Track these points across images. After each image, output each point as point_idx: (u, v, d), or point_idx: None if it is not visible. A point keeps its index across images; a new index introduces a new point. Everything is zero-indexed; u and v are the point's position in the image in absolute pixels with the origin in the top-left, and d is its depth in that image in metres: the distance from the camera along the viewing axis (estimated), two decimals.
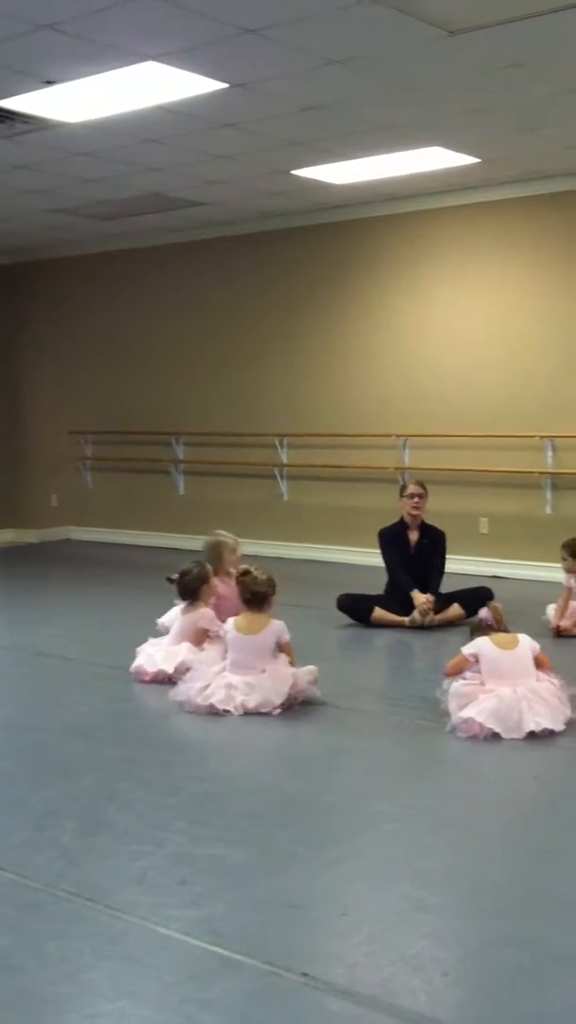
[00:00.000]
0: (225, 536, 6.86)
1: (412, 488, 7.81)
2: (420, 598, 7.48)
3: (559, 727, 5.03)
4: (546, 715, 5.00)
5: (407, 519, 7.82)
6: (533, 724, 4.95)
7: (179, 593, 6.39)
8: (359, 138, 7.84)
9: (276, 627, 5.64)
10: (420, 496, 7.78)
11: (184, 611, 6.33)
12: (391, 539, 7.82)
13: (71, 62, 6.09)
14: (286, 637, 5.65)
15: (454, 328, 10.02)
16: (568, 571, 7.26)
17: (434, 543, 7.82)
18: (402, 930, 3.17)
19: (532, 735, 4.97)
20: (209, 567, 6.48)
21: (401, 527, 7.84)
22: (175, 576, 6.40)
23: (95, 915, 3.27)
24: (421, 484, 7.87)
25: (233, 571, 6.27)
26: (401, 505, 7.86)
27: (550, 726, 4.99)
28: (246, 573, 5.86)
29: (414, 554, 7.76)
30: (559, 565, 7.45)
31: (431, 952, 3.04)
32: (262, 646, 5.58)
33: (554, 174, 9.15)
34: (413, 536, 7.80)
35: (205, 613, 6.26)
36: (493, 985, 2.87)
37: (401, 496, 7.87)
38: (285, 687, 5.47)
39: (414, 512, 7.79)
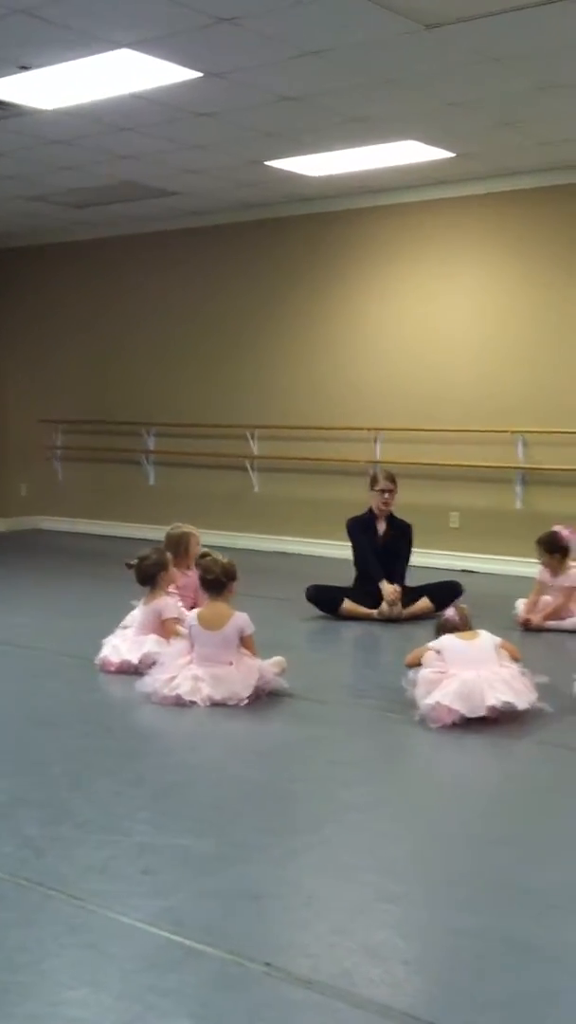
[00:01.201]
0: (189, 527, 6.86)
1: (384, 483, 7.81)
2: (388, 588, 7.50)
3: (522, 705, 5.07)
4: (508, 692, 5.05)
5: (376, 511, 7.83)
6: (493, 699, 4.99)
7: (137, 579, 6.37)
8: (334, 130, 7.83)
9: (239, 620, 5.61)
10: (391, 492, 7.79)
11: (145, 600, 6.31)
12: (360, 529, 7.83)
13: (46, 48, 6.06)
14: (248, 631, 5.61)
15: (427, 322, 10.04)
16: (544, 565, 7.29)
17: (401, 534, 7.84)
18: (365, 920, 3.18)
19: (497, 722, 4.99)
20: (168, 554, 6.46)
21: (370, 518, 7.85)
22: (133, 561, 6.38)
23: (57, 904, 3.25)
24: (392, 478, 7.87)
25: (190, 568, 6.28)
26: (370, 497, 7.87)
27: (512, 700, 5.03)
28: (204, 556, 5.86)
29: (382, 545, 7.77)
30: (529, 560, 7.49)
31: (393, 941, 3.05)
32: (225, 639, 5.56)
33: (529, 170, 9.18)
34: (381, 527, 7.82)
35: (166, 602, 6.24)
36: (454, 974, 2.88)
37: (371, 488, 7.87)
38: (252, 679, 5.46)
39: (384, 507, 7.80)
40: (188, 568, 6.60)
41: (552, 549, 7.24)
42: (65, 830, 3.83)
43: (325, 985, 2.79)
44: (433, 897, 3.37)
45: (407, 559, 7.82)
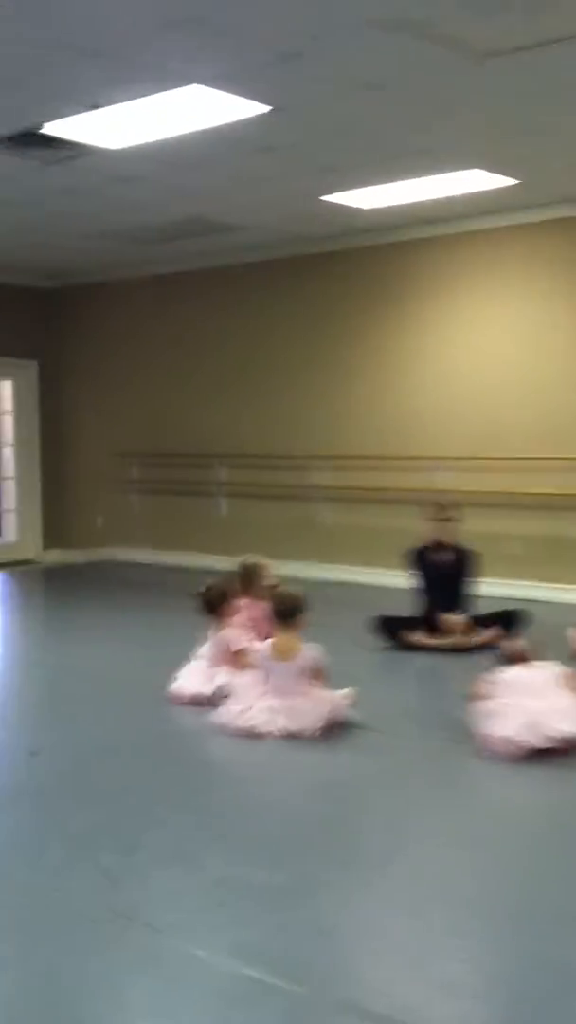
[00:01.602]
0: (260, 559, 6.89)
1: (440, 512, 7.76)
2: (452, 620, 7.47)
3: None
4: (572, 724, 5.00)
5: (435, 540, 7.79)
6: (559, 731, 4.96)
7: (201, 607, 6.44)
8: (396, 162, 7.88)
9: (312, 652, 5.65)
10: (448, 520, 7.75)
11: (213, 631, 6.37)
12: (415, 559, 7.81)
13: (117, 85, 6.17)
14: (321, 664, 5.65)
15: (487, 350, 10.01)
16: None
17: (464, 563, 7.79)
18: (437, 954, 3.18)
19: (565, 754, 4.96)
20: (233, 584, 6.51)
21: (428, 547, 7.83)
22: (201, 590, 6.45)
23: (133, 935, 3.30)
24: (444, 505, 7.83)
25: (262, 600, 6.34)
26: (430, 526, 7.83)
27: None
28: (275, 587, 5.90)
29: (440, 573, 7.73)
30: None
31: (465, 976, 3.05)
32: (299, 671, 5.60)
33: None
34: (442, 556, 7.78)
35: (233, 633, 6.28)
36: (528, 1008, 2.88)
37: (429, 518, 7.82)
38: (325, 711, 5.48)
39: (442, 536, 7.75)
40: (260, 599, 6.64)
41: None
42: (140, 861, 3.89)
43: (398, 1021, 2.80)
44: (503, 931, 3.36)
45: (471, 587, 7.78)
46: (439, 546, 7.80)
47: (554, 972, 3.06)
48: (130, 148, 7.36)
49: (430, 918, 3.42)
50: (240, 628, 6.43)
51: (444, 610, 7.58)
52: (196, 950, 3.19)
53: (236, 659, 6.16)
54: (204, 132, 7.05)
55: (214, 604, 6.37)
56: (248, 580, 6.73)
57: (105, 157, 7.58)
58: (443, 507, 7.84)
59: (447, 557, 7.79)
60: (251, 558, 6.94)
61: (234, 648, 6.19)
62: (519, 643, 5.49)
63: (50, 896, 3.59)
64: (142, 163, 7.78)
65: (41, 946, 3.25)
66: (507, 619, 7.56)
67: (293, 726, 5.42)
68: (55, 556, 13.24)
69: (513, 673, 5.28)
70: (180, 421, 12.37)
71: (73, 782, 4.84)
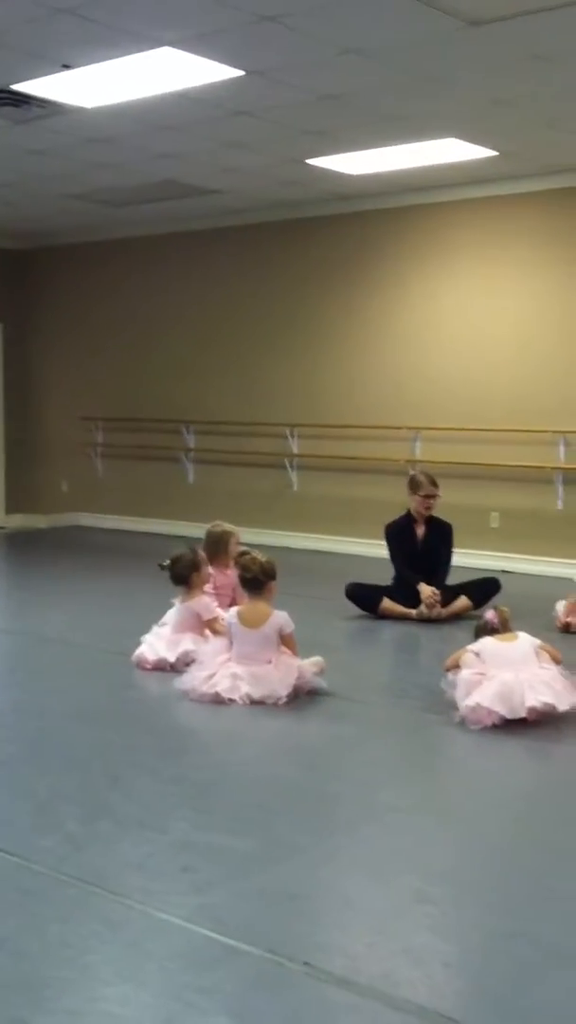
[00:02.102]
0: (229, 526, 6.84)
1: (428, 488, 7.70)
2: (426, 591, 7.47)
3: (562, 706, 5.04)
4: (548, 693, 5.01)
5: (414, 514, 7.78)
6: (534, 700, 4.96)
7: (171, 579, 6.37)
8: (375, 128, 7.81)
9: (279, 619, 5.59)
10: (434, 497, 7.72)
11: (181, 599, 6.31)
12: (396, 533, 7.79)
13: (88, 46, 6.08)
14: (288, 629, 5.60)
15: (468, 321, 9.99)
16: None
17: (442, 536, 7.79)
18: (404, 922, 3.17)
19: (537, 724, 4.97)
20: (202, 554, 6.45)
21: (407, 520, 7.80)
22: (166, 563, 6.38)
23: (97, 900, 3.27)
24: (435, 482, 7.78)
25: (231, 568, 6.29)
26: (411, 500, 7.81)
27: (552, 701, 5.00)
28: (244, 554, 5.85)
29: (421, 547, 7.73)
30: (570, 561, 7.43)
31: (433, 944, 3.04)
32: (265, 638, 5.56)
33: (572, 168, 9.10)
34: (420, 530, 7.77)
35: (202, 601, 6.23)
36: (494, 978, 2.87)
37: (413, 492, 7.78)
38: (291, 679, 5.45)
39: (425, 511, 7.73)
40: (227, 567, 6.60)
41: None
42: (105, 826, 3.85)
43: (364, 986, 2.79)
44: (472, 900, 3.35)
45: (448, 561, 7.78)
46: (419, 520, 7.76)
47: (524, 942, 3.05)
48: (103, 108, 7.25)
49: (399, 885, 3.40)
50: (208, 596, 6.40)
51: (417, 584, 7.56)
52: (161, 915, 3.16)
53: (206, 627, 6.13)
54: (178, 95, 6.95)
55: (184, 575, 6.31)
56: (215, 548, 6.69)
57: (78, 117, 7.46)
58: (426, 482, 7.77)
59: (426, 531, 7.76)
60: (219, 526, 6.90)
61: (206, 617, 6.15)
62: (493, 613, 5.46)
63: (14, 862, 3.55)
64: (116, 124, 7.66)
65: (4, 913, 3.21)
66: (479, 589, 7.58)
67: (257, 693, 5.39)
68: (18, 521, 13.14)
69: (489, 643, 5.27)
70: (149, 386, 12.28)
71: (37, 749, 4.79)
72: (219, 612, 6.19)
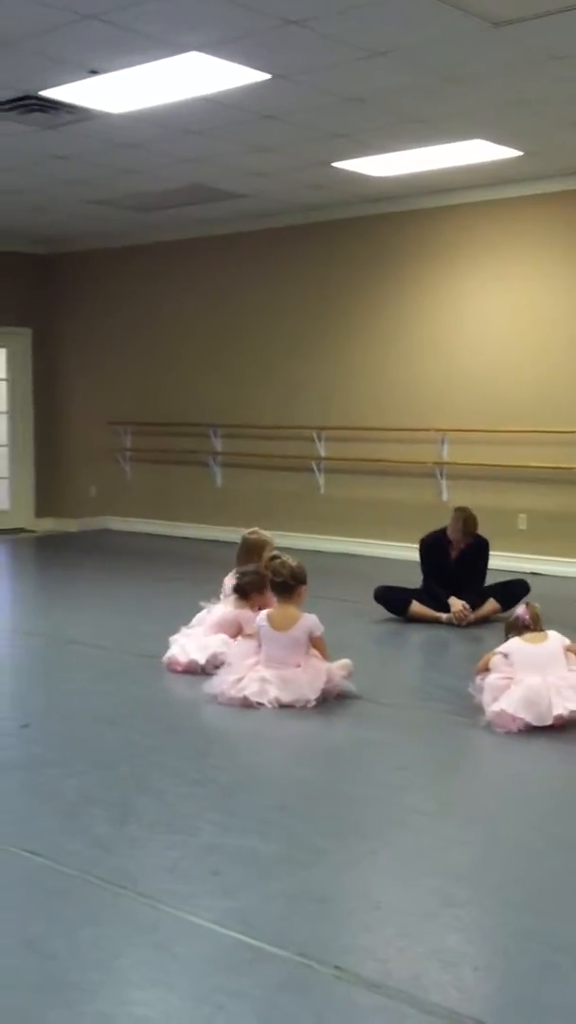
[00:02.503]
0: (265, 534, 6.80)
1: (462, 536, 7.57)
2: (456, 605, 7.40)
3: None
4: (575, 700, 4.97)
5: (450, 534, 7.65)
6: (561, 708, 4.93)
7: (234, 589, 6.38)
8: (400, 130, 7.80)
9: (308, 622, 5.59)
10: (471, 534, 7.61)
11: (231, 604, 6.32)
12: (431, 547, 7.70)
13: (114, 52, 6.10)
14: (318, 632, 5.60)
15: (493, 323, 9.96)
16: None
17: (477, 550, 7.67)
18: (432, 924, 3.16)
19: (564, 728, 4.94)
20: (268, 576, 6.46)
21: (442, 534, 7.71)
22: (241, 572, 6.42)
23: (127, 903, 3.28)
24: (470, 531, 7.63)
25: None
26: (451, 521, 7.65)
27: None
28: (274, 558, 5.84)
29: (455, 561, 7.65)
30: None
31: (461, 947, 3.03)
32: (294, 641, 5.56)
33: None
34: (456, 547, 7.69)
35: (247, 614, 6.20)
36: (523, 980, 2.86)
37: (455, 522, 7.62)
38: (320, 683, 5.45)
39: (461, 540, 7.62)
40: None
41: None
42: (133, 829, 3.86)
43: (394, 989, 2.78)
44: (500, 903, 3.34)
45: (483, 575, 7.68)
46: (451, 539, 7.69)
47: (551, 945, 3.04)
48: (130, 113, 7.27)
49: (426, 888, 3.40)
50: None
51: (452, 594, 7.51)
52: (190, 918, 3.17)
53: (234, 630, 6.13)
54: (204, 99, 6.96)
55: (247, 591, 6.32)
56: (249, 555, 6.67)
57: (104, 122, 7.49)
58: (462, 530, 7.60)
59: (461, 546, 7.69)
60: (256, 533, 6.85)
61: (247, 629, 6.08)
62: (524, 609, 5.42)
63: (43, 864, 3.56)
64: (142, 129, 7.68)
65: (34, 916, 3.22)
66: (507, 591, 7.54)
67: (286, 697, 5.39)
68: (48, 525, 13.20)
69: (517, 645, 5.23)
70: (175, 390, 12.30)
71: (66, 751, 4.81)
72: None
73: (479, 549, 7.72)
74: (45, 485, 13.36)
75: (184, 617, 6.58)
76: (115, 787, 4.30)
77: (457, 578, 7.59)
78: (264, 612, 5.77)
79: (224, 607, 6.36)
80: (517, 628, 5.35)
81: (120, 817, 3.97)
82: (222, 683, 5.54)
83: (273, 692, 5.41)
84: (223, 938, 3.06)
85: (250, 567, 6.44)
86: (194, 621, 6.50)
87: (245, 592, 6.32)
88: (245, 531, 6.96)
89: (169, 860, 3.59)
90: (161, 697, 5.77)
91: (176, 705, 5.66)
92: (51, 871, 3.51)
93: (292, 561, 5.76)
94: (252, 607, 6.25)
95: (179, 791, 4.26)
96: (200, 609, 6.53)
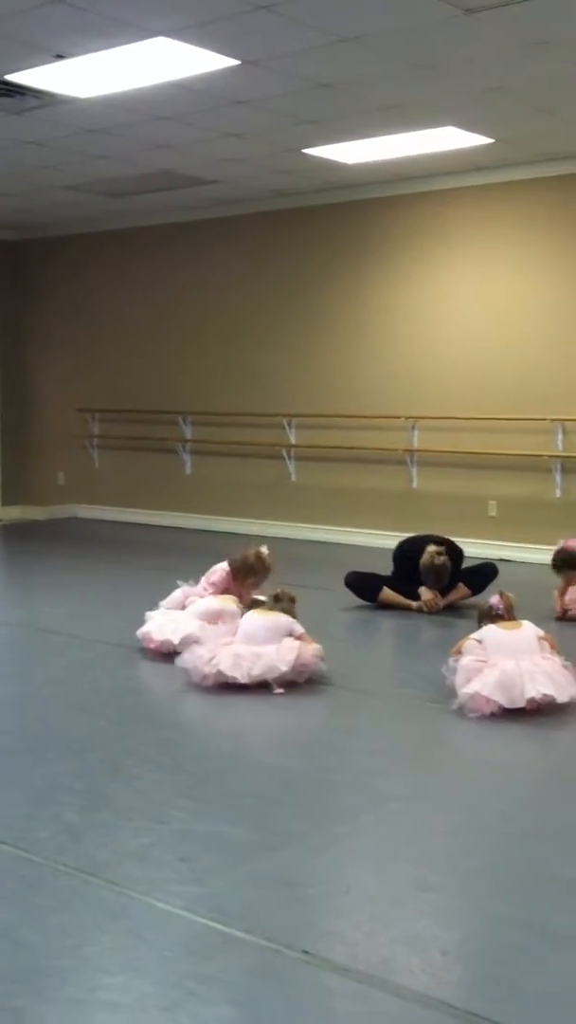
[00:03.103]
0: (271, 560, 6.72)
1: (433, 575, 7.36)
2: (427, 595, 7.42)
3: (562, 698, 5.04)
4: (548, 685, 5.01)
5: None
6: (534, 692, 4.96)
7: (230, 564, 6.55)
8: (371, 116, 7.79)
9: (291, 622, 5.68)
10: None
11: (197, 588, 6.34)
12: (405, 555, 7.59)
13: (82, 36, 6.06)
14: (298, 631, 5.65)
15: (465, 310, 9.98)
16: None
17: (451, 556, 7.43)
18: (403, 909, 3.17)
19: (536, 713, 4.97)
20: (268, 564, 6.53)
21: (418, 544, 7.57)
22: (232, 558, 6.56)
23: (97, 890, 3.27)
24: (439, 581, 7.41)
25: (252, 593, 6.44)
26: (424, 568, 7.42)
27: (551, 693, 5.00)
28: (278, 599, 5.87)
29: None
30: None
31: (432, 931, 3.04)
32: (277, 627, 5.60)
33: (569, 155, 9.08)
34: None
35: (230, 608, 6.20)
36: (493, 964, 2.87)
37: (425, 548, 7.40)
38: (291, 656, 5.45)
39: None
40: (248, 592, 6.62)
41: None
42: (104, 816, 3.85)
43: (363, 973, 2.79)
44: (471, 887, 3.36)
45: (456, 579, 7.53)
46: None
47: (523, 927, 3.06)
48: (98, 98, 7.22)
49: (398, 873, 3.41)
50: (211, 585, 6.47)
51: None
52: (160, 904, 3.17)
53: (214, 617, 6.15)
54: (173, 85, 6.92)
55: (241, 573, 6.46)
56: (246, 573, 6.64)
57: (72, 107, 7.44)
58: (433, 576, 7.38)
59: None
60: (263, 552, 6.74)
61: (223, 613, 6.13)
62: (499, 598, 5.45)
63: (13, 853, 3.55)
64: (111, 114, 7.64)
65: (3, 904, 3.21)
66: (477, 575, 7.55)
67: (257, 670, 5.39)
68: (15, 513, 13.13)
69: (492, 631, 5.26)
70: (145, 377, 12.26)
71: (37, 739, 4.79)
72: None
73: (452, 559, 7.47)
74: (12, 473, 13.28)
75: (154, 604, 6.56)
76: (86, 775, 4.28)
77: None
78: (249, 612, 5.83)
79: (208, 599, 6.33)
80: (491, 617, 5.39)
81: (91, 805, 3.96)
82: (195, 659, 5.53)
83: (246, 665, 5.40)
84: (193, 924, 3.06)
85: (250, 552, 6.62)
86: (166, 601, 6.49)
87: (240, 573, 6.45)
88: (252, 550, 6.78)
89: (139, 847, 3.58)
90: (134, 685, 5.76)
91: (149, 693, 5.66)
92: (21, 859, 3.49)
93: (285, 595, 5.88)
94: (238, 588, 6.36)
95: (151, 778, 4.25)
96: (176, 587, 6.54)
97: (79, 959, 2.87)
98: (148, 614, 6.34)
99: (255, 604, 5.98)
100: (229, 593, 6.50)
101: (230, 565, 6.66)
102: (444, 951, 2.93)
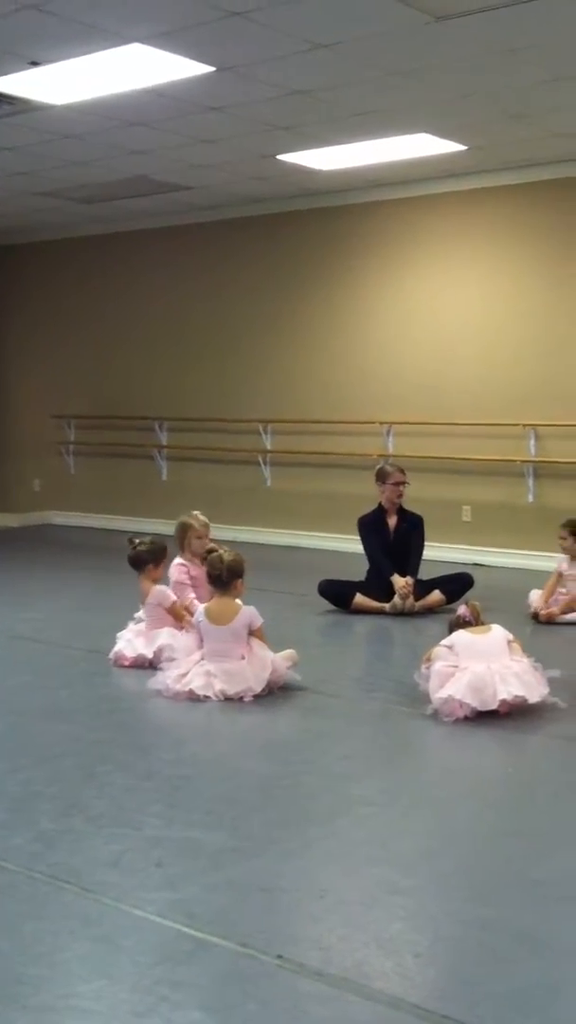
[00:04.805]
0: (194, 519, 6.72)
1: (397, 476, 7.79)
2: (400, 581, 7.51)
3: (533, 698, 5.09)
4: (519, 686, 5.05)
5: (386, 505, 7.82)
6: (505, 693, 4.99)
7: (128, 560, 6.41)
8: (345, 123, 7.81)
9: (246, 614, 5.60)
10: (404, 483, 7.80)
11: (142, 588, 6.32)
12: (370, 526, 7.83)
13: (56, 43, 6.05)
14: (258, 623, 5.61)
15: (438, 316, 10.02)
16: (566, 551, 7.30)
17: (412, 527, 7.83)
18: (376, 913, 3.19)
19: (508, 716, 5.00)
20: (160, 547, 6.43)
21: (379, 513, 7.85)
22: (136, 542, 6.42)
23: (70, 897, 3.27)
24: (402, 470, 7.87)
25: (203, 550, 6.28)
26: (381, 491, 7.85)
27: (523, 694, 5.04)
28: (211, 551, 5.83)
29: (393, 539, 7.77)
30: (542, 553, 7.47)
31: (404, 934, 3.06)
32: (235, 633, 5.56)
33: (541, 162, 9.14)
34: (391, 521, 7.82)
35: (156, 591, 6.24)
36: (465, 966, 2.89)
37: (382, 483, 7.83)
38: (265, 673, 5.47)
39: (396, 500, 7.80)
40: (197, 558, 6.55)
41: None
42: (77, 823, 3.85)
43: (337, 977, 2.80)
44: (444, 890, 3.37)
45: (420, 552, 7.81)
46: (390, 512, 7.81)
47: (496, 931, 3.08)
48: (72, 104, 7.22)
49: (371, 877, 3.42)
50: (177, 585, 6.42)
51: (395, 570, 7.60)
52: (134, 910, 3.17)
53: (173, 611, 6.16)
54: (148, 91, 6.93)
55: (138, 561, 6.36)
56: (178, 538, 6.66)
57: (47, 114, 7.43)
58: (395, 471, 7.83)
59: (398, 524, 7.80)
60: (184, 516, 6.81)
61: (166, 604, 6.17)
62: (466, 608, 5.49)
63: None
64: (85, 120, 7.64)
65: None
66: (453, 583, 7.63)
67: (231, 690, 5.40)
68: None
69: (462, 635, 5.30)
70: (121, 383, 12.25)
71: (10, 746, 4.78)
72: (194, 603, 6.20)
73: (414, 525, 7.84)
74: None
75: (130, 612, 6.56)
76: (59, 781, 4.28)
77: (396, 556, 7.67)
78: (202, 607, 5.76)
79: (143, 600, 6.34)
80: (460, 625, 5.43)
81: (64, 811, 3.95)
82: (167, 678, 5.54)
83: (218, 685, 5.41)
84: (166, 930, 3.06)
85: (148, 538, 6.49)
86: (140, 613, 6.49)
87: (138, 564, 6.36)
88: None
89: (113, 854, 3.58)
90: (108, 692, 5.74)
91: (123, 699, 5.64)
92: None
93: (228, 555, 5.72)
94: (147, 579, 6.29)
95: (124, 784, 4.25)
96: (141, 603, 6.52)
97: (52, 966, 2.87)
98: (118, 635, 6.31)
99: (211, 552, 5.91)
100: (192, 577, 6.49)
101: (178, 543, 6.63)
102: (416, 954, 2.94)
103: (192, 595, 6.41)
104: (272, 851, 3.62)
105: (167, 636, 6.07)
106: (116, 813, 3.94)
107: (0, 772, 4.40)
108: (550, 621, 7.13)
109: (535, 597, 7.36)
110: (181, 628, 6.14)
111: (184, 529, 6.66)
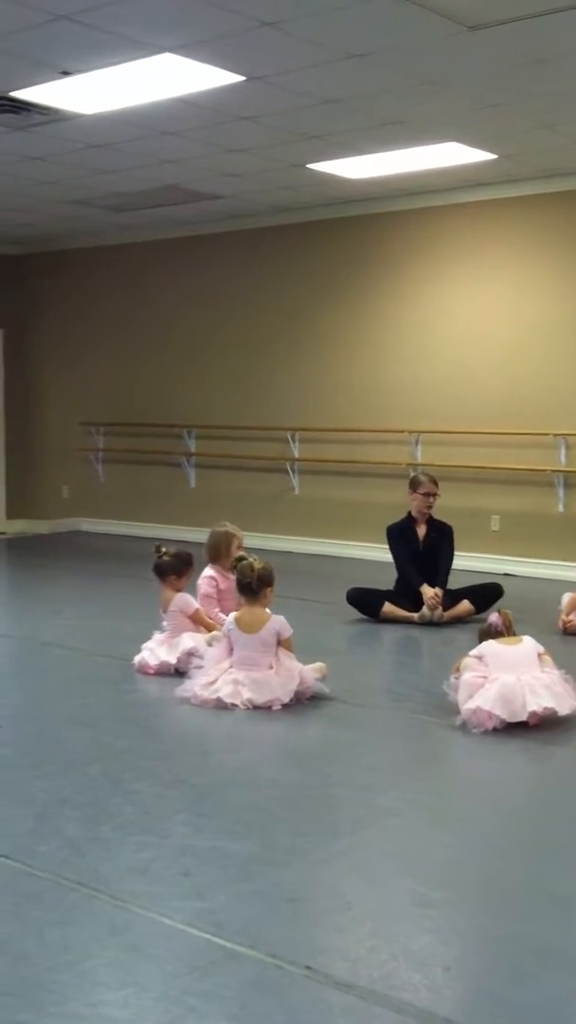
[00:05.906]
0: (235, 529, 6.80)
1: (428, 487, 7.75)
2: (428, 592, 7.48)
3: (563, 710, 5.05)
4: (549, 698, 5.01)
5: (415, 514, 7.81)
6: (535, 705, 4.96)
7: (153, 568, 6.43)
8: (376, 132, 7.82)
9: (276, 623, 5.58)
10: (435, 495, 7.76)
11: (164, 596, 6.32)
12: (399, 535, 7.81)
13: (88, 53, 6.09)
14: (287, 633, 5.59)
15: (467, 324, 10.00)
16: None
17: (442, 537, 7.81)
18: (404, 925, 3.17)
19: (537, 728, 4.97)
20: (185, 559, 6.45)
21: (409, 522, 7.83)
22: (163, 550, 6.44)
23: (98, 905, 3.27)
24: (435, 481, 7.85)
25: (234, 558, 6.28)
26: (412, 500, 7.83)
27: (553, 706, 5.00)
28: (241, 559, 5.83)
29: (422, 549, 7.75)
30: (571, 563, 7.42)
31: (433, 947, 3.04)
32: (264, 642, 5.55)
33: (571, 171, 9.11)
34: (421, 531, 7.79)
35: (179, 598, 6.26)
36: (493, 980, 2.87)
37: (413, 491, 7.82)
38: (293, 684, 5.45)
39: (426, 510, 7.77)
40: (227, 569, 6.57)
41: None
42: (106, 831, 3.85)
43: (365, 989, 2.79)
44: (470, 903, 3.35)
45: (449, 561, 7.78)
46: (420, 521, 7.78)
47: (523, 944, 3.06)
48: (103, 114, 7.25)
49: (398, 888, 3.40)
50: (204, 598, 6.43)
51: (424, 580, 7.57)
52: (161, 919, 3.17)
53: (196, 618, 6.16)
54: (178, 100, 6.96)
55: (163, 570, 6.38)
56: (216, 550, 6.67)
57: (78, 123, 7.47)
58: (427, 481, 7.81)
59: (427, 532, 7.78)
60: (222, 526, 6.83)
61: (189, 612, 6.19)
62: (498, 616, 5.46)
63: (14, 867, 3.55)
64: (116, 130, 7.67)
65: (5, 918, 3.21)
66: (481, 593, 7.60)
67: (259, 699, 5.39)
68: (19, 526, 13.14)
69: (491, 646, 5.27)
70: (148, 391, 12.29)
71: (38, 753, 4.79)
72: (219, 616, 6.22)
73: (444, 533, 7.82)
74: (17, 486, 13.30)
75: (157, 619, 6.56)
76: (87, 789, 4.29)
77: (425, 565, 7.65)
78: (232, 615, 5.76)
79: (185, 638, 6.32)
80: (491, 635, 5.39)
81: (92, 819, 3.96)
82: (195, 686, 5.54)
83: (246, 694, 5.41)
84: (194, 939, 3.06)
85: (175, 549, 6.50)
86: (163, 623, 6.50)
87: (163, 573, 6.38)
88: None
89: (141, 861, 3.58)
90: (135, 699, 5.75)
91: (150, 707, 5.65)
92: (22, 873, 3.50)
93: (258, 563, 5.73)
94: (170, 588, 6.32)
95: (152, 792, 4.25)
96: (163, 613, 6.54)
97: (80, 974, 2.87)
98: (143, 645, 6.31)
99: (241, 560, 5.91)
100: (220, 590, 6.50)
101: (207, 556, 6.64)
102: (446, 967, 2.92)
103: (216, 609, 6.42)
104: (299, 861, 3.62)
105: (189, 639, 6.07)
106: (143, 821, 3.94)
107: (27, 779, 4.42)
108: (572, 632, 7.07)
109: (567, 600, 7.29)
110: (205, 628, 6.16)
111: (228, 538, 6.66)
